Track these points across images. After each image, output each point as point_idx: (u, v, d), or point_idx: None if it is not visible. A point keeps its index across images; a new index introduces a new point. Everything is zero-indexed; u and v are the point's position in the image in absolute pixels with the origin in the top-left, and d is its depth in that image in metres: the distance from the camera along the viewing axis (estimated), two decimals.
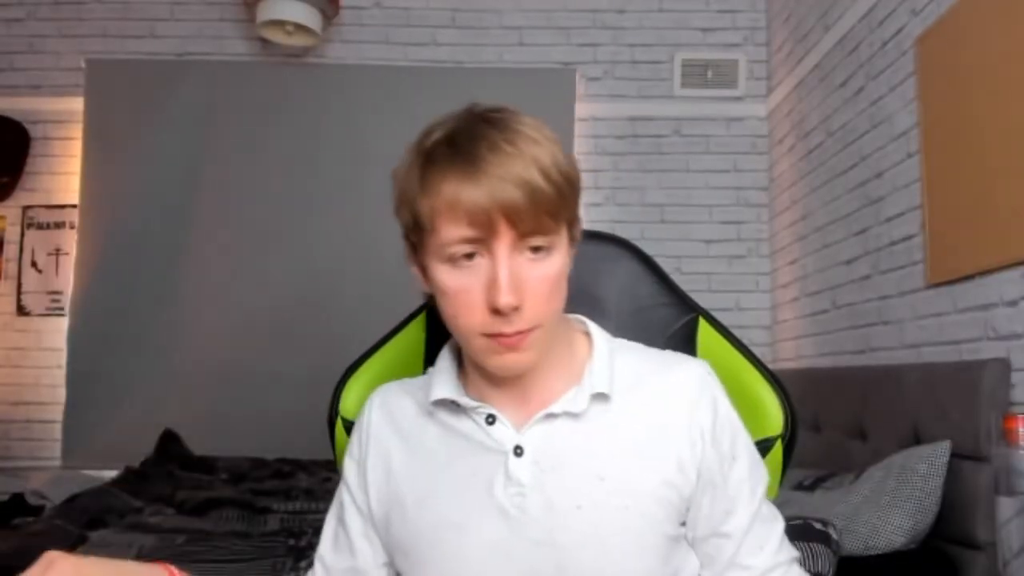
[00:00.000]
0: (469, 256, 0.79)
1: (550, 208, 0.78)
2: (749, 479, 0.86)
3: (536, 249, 0.80)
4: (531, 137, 0.80)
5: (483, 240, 0.78)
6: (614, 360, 0.89)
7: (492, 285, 0.78)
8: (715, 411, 0.86)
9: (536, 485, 0.84)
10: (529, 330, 0.80)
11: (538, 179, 0.78)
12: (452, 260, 0.80)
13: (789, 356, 3.11)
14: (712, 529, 0.86)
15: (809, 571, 1.52)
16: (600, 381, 0.86)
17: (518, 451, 0.85)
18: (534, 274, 0.80)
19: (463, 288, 0.80)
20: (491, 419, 0.87)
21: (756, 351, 1.03)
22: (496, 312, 0.78)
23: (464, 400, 0.88)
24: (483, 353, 0.83)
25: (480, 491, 0.85)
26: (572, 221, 0.84)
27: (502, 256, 0.78)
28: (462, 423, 0.89)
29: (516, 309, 0.79)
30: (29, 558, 0.71)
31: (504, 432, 0.87)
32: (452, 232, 0.79)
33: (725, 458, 0.85)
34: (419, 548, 0.88)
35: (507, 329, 0.79)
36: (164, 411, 3.10)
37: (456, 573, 0.86)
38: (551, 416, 0.86)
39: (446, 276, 0.81)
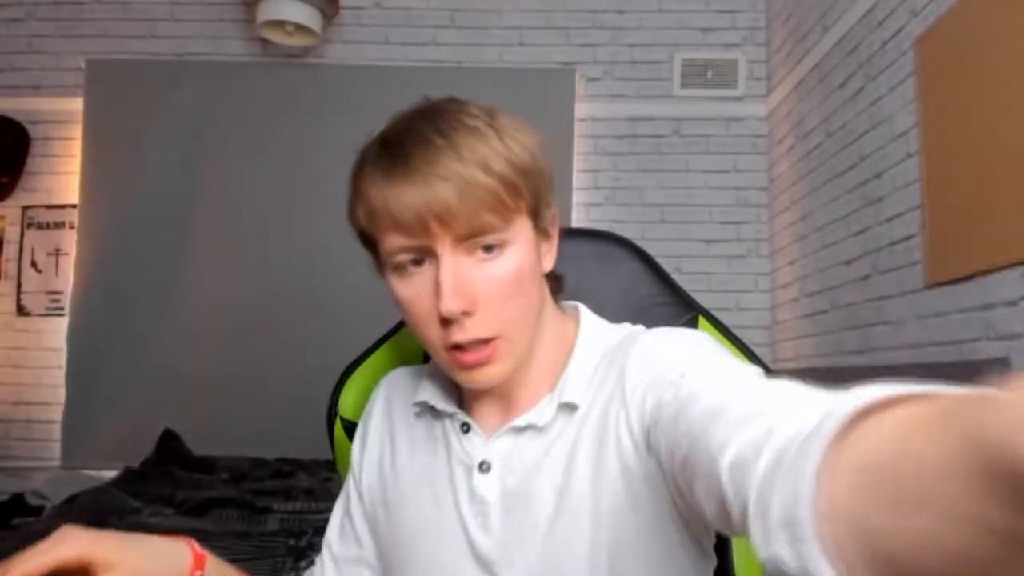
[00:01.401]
0: (417, 262, 0.75)
1: (492, 203, 0.72)
2: (712, 365, 0.72)
3: (487, 248, 0.74)
4: (471, 127, 0.73)
5: (422, 246, 0.73)
6: (596, 358, 0.83)
7: (437, 292, 0.73)
8: (640, 364, 0.77)
9: (498, 503, 0.81)
10: (489, 340, 0.75)
11: (474, 173, 0.71)
12: (399, 269, 0.76)
13: (789, 356, 3.10)
14: (690, 431, 0.65)
15: None
16: (572, 390, 0.80)
17: (484, 467, 0.82)
18: (485, 275, 0.74)
19: (414, 298, 0.75)
20: (466, 427, 0.84)
21: (756, 351, 1.03)
22: (446, 321, 0.73)
23: (442, 405, 0.85)
24: (450, 369, 0.79)
25: (451, 504, 0.83)
26: (536, 212, 0.79)
27: (444, 259, 0.72)
28: (444, 427, 0.86)
29: (468, 315, 0.73)
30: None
31: (474, 444, 0.83)
32: (389, 240, 0.74)
33: (670, 384, 0.72)
34: (399, 550, 0.87)
35: (461, 338, 0.74)
36: (164, 410, 3.09)
37: None
38: (518, 429, 0.82)
39: (397, 287, 0.77)
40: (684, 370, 0.72)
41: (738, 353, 0.99)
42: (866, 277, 2.47)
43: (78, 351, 3.29)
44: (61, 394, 3.29)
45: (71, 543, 0.68)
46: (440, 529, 0.83)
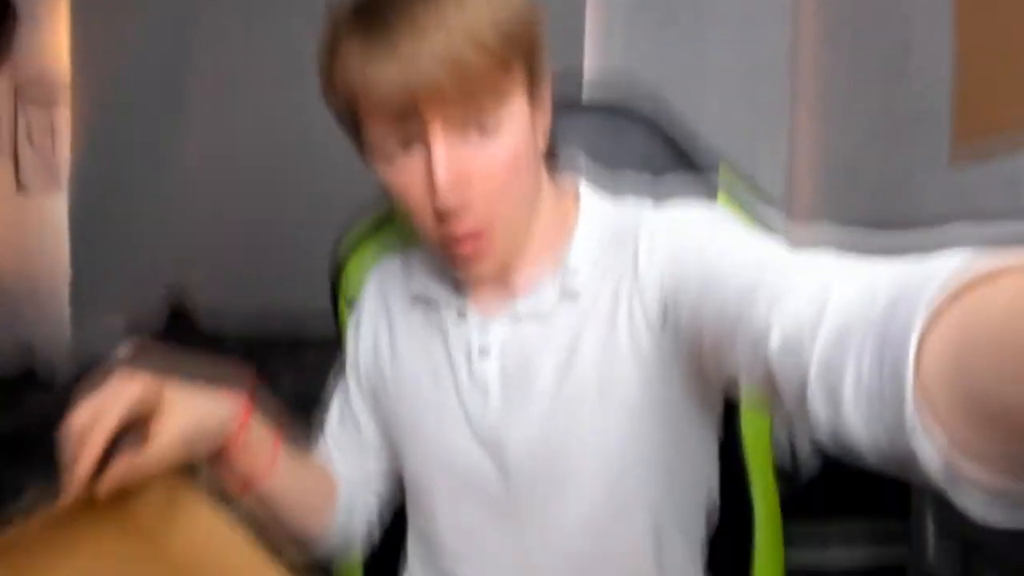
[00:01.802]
0: (405, 145, 0.70)
1: (488, 83, 0.67)
2: (736, 240, 0.69)
3: (481, 131, 0.69)
4: None
5: (410, 130, 0.68)
6: (600, 237, 0.80)
7: (430, 184, 0.68)
8: (653, 243, 0.75)
9: (498, 384, 0.80)
10: (485, 231, 0.72)
11: (467, 52, 0.65)
12: (386, 155, 0.71)
13: (805, 232, 3.06)
14: (726, 309, 0.60)
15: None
16: (576, 275, 0.78)
17: (483, 352, 0.81)
18: (481, 162, 0.70)
19: (405, 187, 0.71)
20: (463, 313, 0.83)
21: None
22: (440, 213, 0.70)
23: (436, 294, 0.84)
24: (448, 261, 0.77)
25: (451, 388, 0.83)
26: (531, 84, 0.73)
27: (436, 148, 0.68)
28: (439, 314, 0.85)
29: (464, 206, 0.70)
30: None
31: (472, 331, 0.82)
32: (374, 126, 0.70)
33: (690, 263, 0.69)
34: (400, 434, 0.88)
35: (458, 231, 0.71)
36: (173, 275, 3.08)
37: (429, 467, 0.86)
38: (518, 316, 0.80)
39: (385, 174, 0.73)
40: (705, 247, 0.69)
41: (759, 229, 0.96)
42: (890, 150, 2.38)
43: (80, 223, 3.26)
44: (66, 267, 3.28)
45: (138, 385, 0.69)
46: (441, 412, 0.83)
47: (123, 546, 0.71)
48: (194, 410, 0.73)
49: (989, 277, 0.39)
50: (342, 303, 1.05)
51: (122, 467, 0.68)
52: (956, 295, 0.39)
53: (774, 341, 0.50)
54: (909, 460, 0.40)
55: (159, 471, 0.71)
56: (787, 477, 1.52)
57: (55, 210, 3.32)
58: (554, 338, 0.78)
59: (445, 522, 0.86)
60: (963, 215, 1.97)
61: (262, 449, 0.81)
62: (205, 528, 0.73)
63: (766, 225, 0.96)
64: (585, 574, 0.81)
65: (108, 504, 0.68)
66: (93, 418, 0.67)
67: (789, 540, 0.99)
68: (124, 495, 0.69)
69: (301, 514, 0.86)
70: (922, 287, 0.40)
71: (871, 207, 2.51)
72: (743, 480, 0.97)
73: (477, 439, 0.81)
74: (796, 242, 0.62)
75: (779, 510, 0.99)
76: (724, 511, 0.91)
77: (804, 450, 1.68)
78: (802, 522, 1.04)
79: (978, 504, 0.38)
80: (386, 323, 0.90)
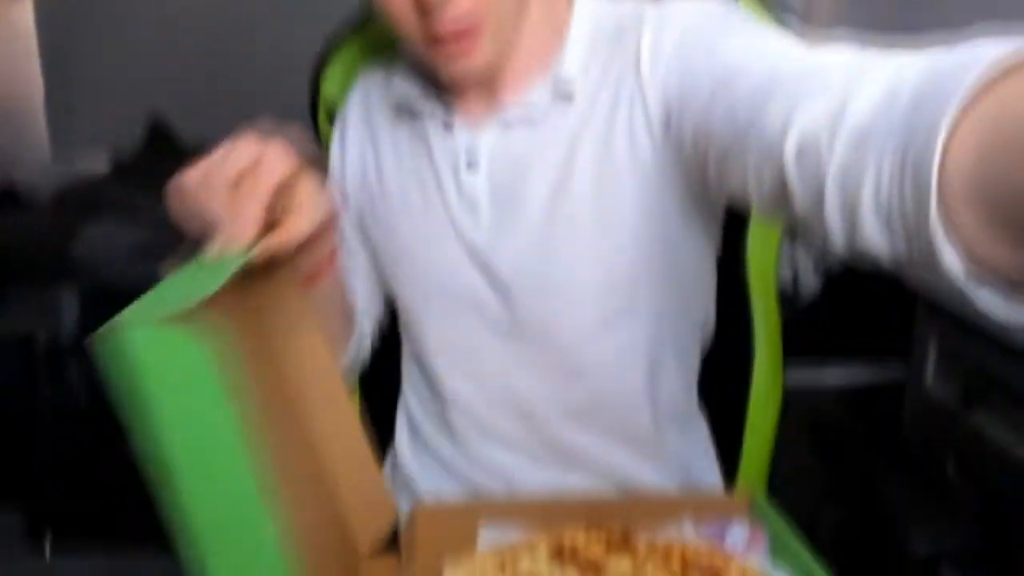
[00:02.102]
0: None
1: None
2: (749, 36, 0.64)
3: None
4: None
5: None
6: (596, 36, 0.74)
7: None
8: (657, 41, 0.70)
9: (488, 200, 0.77)
10: (471, 28, 0.66)
11: None
12: None
13: (825, 37, 2.93)
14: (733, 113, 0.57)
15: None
16: (569, 76, 0.73)
17: (471, 164, 0.76)
18: None
19: None
20: (448, 124, 0.78)
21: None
22: (423, 9, 0.64)
23: (420, 104, 0.79)
24: (432, 63, 0.71)
25: (439, 204, 0.79)
26: None
27: None
28: (424, 126, 0.80)
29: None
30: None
31: (458, 141, 0.77)
32: None
33: (698, 61, 0.65)
34: (392, 254, 0.85)
35: (442, 29, 0.65)
36: (151, 91, 2.95)
37: (421, 287, 0.83)
38: (507, 123, 0.75)
39: None
40: (716, 43, 0.64)
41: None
42: None
43: (50, 42, 3.09)
44: (40, 86, 3.14)
45: (290, 158, 0.59)
46: (430, 231, 0.80)
47: (252, 335, 0.64)
48: (320, 206, 0.64)
49: (1019, 69, 0.36)
50: (322, 117, 0.99)
51: (276, 240, 0.59)
52: (985, 90, 0.37)
53: (789, 146, 0.47)
54: (929, 263, 0.38)
55: (289, 258, 0.64)
56: (787, 300, 1.50)
57: (23, 23, 3.12)
58: (548, 147, 0.74)
59: (439, 342, 0.85)
60: (990, 15, 1.85)
61: (328, 256, 0.76)
62: (314, 356, 0.67)
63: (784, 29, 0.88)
64: (578, 390, 0.81)
65: (243, 283, 0.59)
66: (246, 174, 0.57)
67: (787, 363, 0.98)
68: (258, 278, 0.62)
69: (335, 326, 0.84)
70: (948, 84, 0.38)
71: (895, 16, 2.37)
72: (744, 299, 0.95)
73: (469, 256, 0.79)
74: (815, 45, 0.57)
75: (780, 331, 0.97)
76: (723, 330, 0.89)
77: (806, 272, 1.66)
78: (801, 350, 1.03)
79: (1000, 305, 0.38)
80: (370, 140, 0.85)
